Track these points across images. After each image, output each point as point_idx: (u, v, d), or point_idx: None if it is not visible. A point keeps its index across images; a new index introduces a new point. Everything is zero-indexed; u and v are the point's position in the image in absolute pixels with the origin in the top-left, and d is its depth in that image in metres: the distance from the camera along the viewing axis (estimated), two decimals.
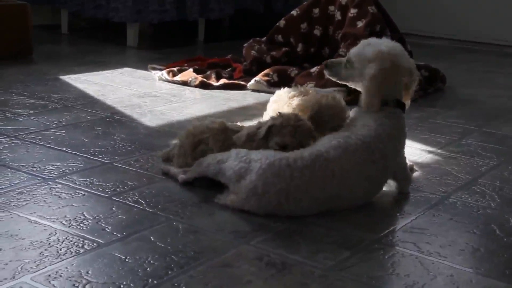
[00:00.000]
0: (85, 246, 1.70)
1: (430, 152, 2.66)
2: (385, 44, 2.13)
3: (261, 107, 2.91)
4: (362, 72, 2.11)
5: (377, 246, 1.80)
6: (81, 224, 1.83)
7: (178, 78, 3.68)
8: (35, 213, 1.88)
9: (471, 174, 2.41)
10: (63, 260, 1.62)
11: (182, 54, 4.45)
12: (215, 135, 2.18)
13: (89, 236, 1.76)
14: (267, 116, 2.41)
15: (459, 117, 3.24)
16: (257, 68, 3.83)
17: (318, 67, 3.60)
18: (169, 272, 1.59)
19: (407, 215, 2.02)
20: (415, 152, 2.62)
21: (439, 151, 2.68)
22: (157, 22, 4.84)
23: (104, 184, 2.13)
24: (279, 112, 2.13)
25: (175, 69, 3.77)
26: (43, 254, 1.64)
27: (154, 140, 2.61)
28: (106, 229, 1.81)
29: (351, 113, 2.20)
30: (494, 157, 2.62)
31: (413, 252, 1.77)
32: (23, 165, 2.25)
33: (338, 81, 2.25)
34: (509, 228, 1.96)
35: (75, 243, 1.71)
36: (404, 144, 2.16)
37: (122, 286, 1.52)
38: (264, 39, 4.04)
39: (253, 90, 3.63)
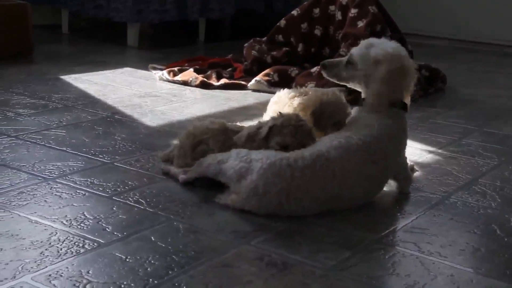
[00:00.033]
0: (86, 246, 1.70)
1: (430, 152, 2.66)
2: (389, 45, 2.12)
3: (262, 107, 2.91)
4: (366, 73, 2.11)
5: (378, 246, 1.80)
6: (81, 224, 1.83)
7: (178, 78, 3.68)
8: (35, 213, 1.88)
9: (472, 174, 2.41)
10: (64, 260, 1.62)
11: (183, 54, 4.45)
12: (215, 135, 2.18)
13: (89, 236, 1.76)
14: (267, 117, 2.41)
15: (460, 117, 3.24)
16: (257, 68, 3.83)
17: (319, 67, 3.59)
18: (170, 272, 1.59)
19: (407, 215, 2.02)
20: (415, 152, 2.62)
21: (439, 151, 2.68)
22: (158, 22, 4.84)
23: (104, 184, 2.13)
24: (279, 112, 2.13)
25: (175, 69, 3.78)
26: (43, 254, 1.64)
27: (155, 140, 2.61)
28: (107, 229, 1.81)
29: (352, 112, 2.20)
30: (495, 157, 2.62)
31: (414, 252, 1.77)
32: (23, 165, 2.25)
33: (337, 82, 2.24)
34: (510, 228, 1.96)
35: (76, 243, 1.71)
36: (405, 144, 2.16)
37: (122, 286, 1.52)
38: (264, 39, 4.04)
39: (254, 90, 3.63)
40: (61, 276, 1.55)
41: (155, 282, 1.55)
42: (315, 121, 2.19)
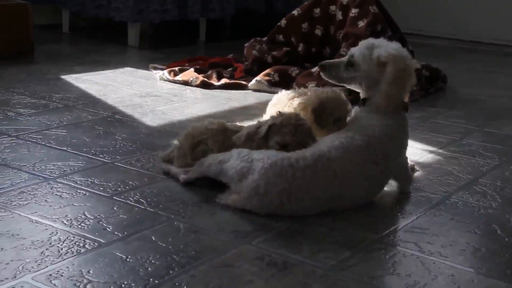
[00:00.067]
0: (86, 246, 1.70)
1: (431, 152, 2.66)
2: (391, 45, 2.11)
3: (262, 107, 2.90)
4: (368, 75, 2.10)
5: (378, 246, 1.80)
6: (82, 224, 1.83)
7: (179, 77, 3.68)
8: (36, 212, 1.88)
9: (472, 174, 2.41)
10: (64, 259, 1.62)
11: (183, 54, 4.45)
12: (214, 135, 2.18)
13: (90, 236, 1.76)
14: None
15: (460, 117, 3.24)
16: (258, 68, 3.83)
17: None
18: (170, 271, 1.59)
19: (408, 215, 2.02)
20: (416, 152, 2.62)
21: (440, 151, 2.68)
22: (158, 22, 4.84)
23: (105, 183, 2.13)
24: (279, 111, 2.13)
25: (176, 68, 3.78)
26: (44, 254, 1.64)
27: (155, 140, 2.61)
28: (107, 228, 1.81)
29: (353, 112, 2.19)
30: (495, 157, 2.62)
31: (414, 252, 1.77)
32: (24, 165, 2.25)
33: (336, 83, 2.22)
34: (510, 228, 1.96)
35: (76, 243, 1.71)
36: (406, 144, 2.16)
37: (123, 285, 1.52)
38: (265, 39, 4.04)
39: (254, 90, 3.63)
40: (61, 276, 1.55)
41: (156, 282, 1.55)
42: (316, 118, 2.19)
